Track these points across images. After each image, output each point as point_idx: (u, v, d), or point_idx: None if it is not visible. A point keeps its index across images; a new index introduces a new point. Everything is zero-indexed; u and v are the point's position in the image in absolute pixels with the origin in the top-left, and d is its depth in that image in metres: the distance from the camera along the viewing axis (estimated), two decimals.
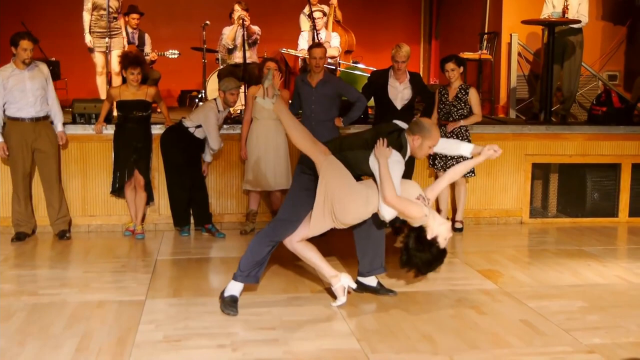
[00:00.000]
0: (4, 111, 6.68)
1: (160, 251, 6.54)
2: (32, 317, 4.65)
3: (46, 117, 6.83)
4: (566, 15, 8.81)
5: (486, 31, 10.95)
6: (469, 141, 7.16)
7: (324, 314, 4.78)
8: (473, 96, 7.18)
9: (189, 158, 7.05)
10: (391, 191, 4.47)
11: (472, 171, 7.26)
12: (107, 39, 8.64)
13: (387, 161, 4.57)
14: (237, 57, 9.25)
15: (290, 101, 7.40)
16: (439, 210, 7.52)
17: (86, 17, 8.70)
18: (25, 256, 6.39)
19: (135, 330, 4.41)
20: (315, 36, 9.18)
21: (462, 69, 7.21)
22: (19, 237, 6.88)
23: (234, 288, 4.86)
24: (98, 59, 8.75)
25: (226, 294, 4.83)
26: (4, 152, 6.70)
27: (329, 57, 8.89)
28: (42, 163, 6.90)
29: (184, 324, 4.54)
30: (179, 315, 4.71)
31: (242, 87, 8.08)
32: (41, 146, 6.80)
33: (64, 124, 7.04)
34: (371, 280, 5.26)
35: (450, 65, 7.16)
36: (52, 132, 6.88)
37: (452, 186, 7.58)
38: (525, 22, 9.12)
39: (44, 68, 6.84)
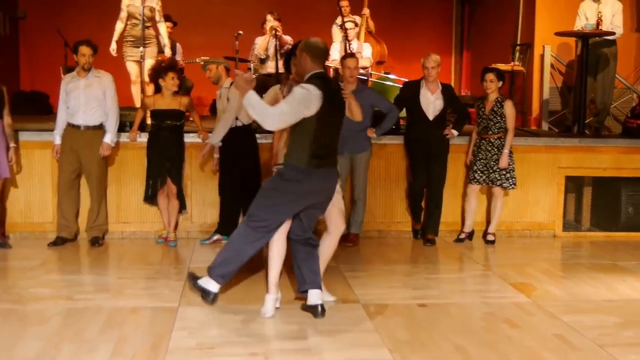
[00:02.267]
0: (66, 116, 6.85)
1: (193, 259, 6.58)
2: (68, 321, 4.70)
3: (98, 127, 6.93)
4: (600, 27, 8.75)
5: (518, 42, 10.90)
6: (510, 153, 7.14)
7: (355, 324, 4.77)
8: (509, 109, 7.15)
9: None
10: (269, 116, 4.52)
11: (514, 183, 7.21)
12: (141, 48, 8.72)
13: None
14: (270, 67, 9.31)
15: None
16: (463, 223, 7.52)
17: (119, 25, 8.79)
18: (60, 261, 6.48)
19: (168, 336, 4.44)
20: (347, 47, 9.20)
21: (501, 83, 7.20)
22: (56, 242, 6.97)
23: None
24: (132, 68, 8.84)
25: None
26: (56, 154, 6.86)
27: (361, 68, 8.89)
28: (86, 171, 7.01)
29: (217, 332, 4.57)
30: (212, 323, 4.73)
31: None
32: (86, 154, 6.91)
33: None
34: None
35: (490, 76, 7.15)
36: (100, 142, 6.96)
37: (488, 198, 7.55)
38: (558, 34, 9.06)
39: (105, 79, 6.94)
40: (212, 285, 4.85)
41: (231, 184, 7.04)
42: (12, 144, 6.77)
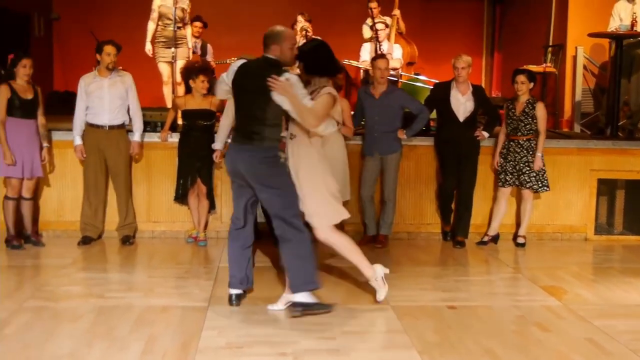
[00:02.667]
0: (85, 116, 6.90)
1: (222, 258, 6.59)
2: (99, 319, 4.76)
3: (121, 126, 7.00)
4: (635, 28, 8.63)
5: (551, 44, 10.81)
6: (542, 155, 7.08)
7: (384, 325, 4.77)
8: (540, 111, 7.08)
9: None
10: (313, 118, 4.70)
11: (546, 185, 7.15)
12: (172, 49, 8.78)
13: (292, 91, 4.68)
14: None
15: (352, 112, 7.41)
16: (489, 226, 7.46)
17: (150, 26, 8.87)
18: (92, 259, 6.55)
19: (198, 336, 4.47)
20: (378, 48, 9.19)
21: (532, 85, 7.13)
22: (85, 240, 7.06)
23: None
24: (163, 68, 8.91)
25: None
26: (81, 155, 6.91)
27: (391, 69, 8.88)
28: (112, 170, 7.08)
29: (246, 332, 4.59)
30: (241, 323, 4.76)
31: None
32: (112, 153, 6.99)
33: (129, 131, 7.18)
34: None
35: (521, 78, 7.09)
36: (124, 141, 7.05)
37: (518, 200, 7.50)
38: (592, 35, 8.97)
39: (127, 78, 7.02)
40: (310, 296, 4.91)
41: None
42: (45, 144, 6.86)
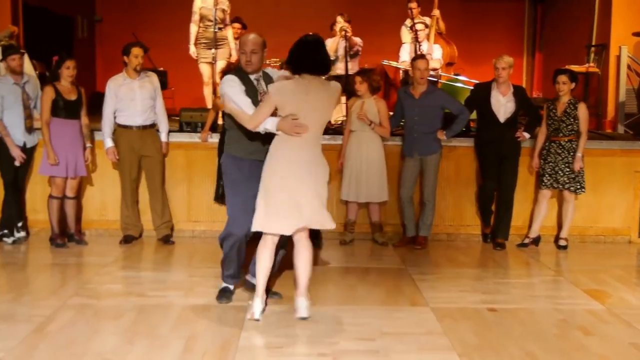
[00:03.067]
0: (114, 118, 6.96)
1: None
2: (141, 317, 4.81)
3: (152, 126, 7.10)
4: None
5: (594, 43, 10.64)
6: (583, 157, 6.98)
7: (424, 327, 4.73)
8: (582, 111, 6.98)
9: None
10: (248, 120, 4.57)
11: (582, 187, 7.05)
12: (213, 50, 8.85)
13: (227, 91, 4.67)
14: (339, 69, 9.32)
15: (391, 113, 7.40)
16: (529, 228, 7.38)
17: (193, 28, 8.94)
18: (133, 258, 6.63)
19: (238, 335, 4.50)
20: (417, 48, 9.16)
21: (573, 85, 7.03)
22: (127, 239, 7.16)
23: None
24: (204, 69, 8.98)
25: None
26: (114, 156, 6.98)
27: (431, 70, 8.83)
28: (147, 169, 7.16)
29: (285, 332, 4.59)
30: (281, 323, 4.77)
31: (344, 99, 8.16)
32: (147, 153, 7.06)
33: (170, 131, 7.29)
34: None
35: (562, 78, 6.99)
36: (157, 140, 7.14)
37: (559, 202, 7.40)
38: (636, 34, 8.83)
39: (154, 79, 7.11)
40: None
41: None
42: (88, 144, 6.97)
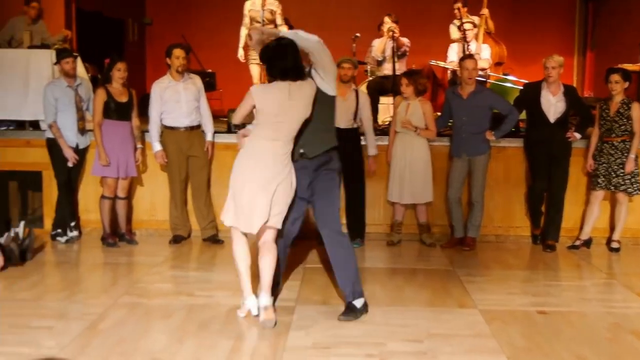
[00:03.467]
0: (160, 121, 7.06)
1: (309, 259, 6.66)
2: (190, 316, 4.87)
3: (199, 127, 7.18)
4: None
5: None
6: (636, 157, 6.84)
7: (472, 329, 4.69)
8: (636, 111, 6.83)
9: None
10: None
11: (638, 188, 6.91)
12: None
13: None
14: (387, 69, 9.29)
15: (438, 113, 7.36)
16: (581, 229, 7.26)
17: (243, 31, 9.00)
18: (182, 258, 6.72)
19: (285, 335, 4.52)
20: (466, 48, 9.08)
21: (627, 84, 6.89)
22: (176, 239, 7.25)
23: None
24: (254, 70, 9.04)
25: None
26: (163, 160, 7.08)
27: (479, 69, 8.75)
28: (194, 170, 7.24)
29: (333, 332, 4.60)
30: (328, 323, 4.78)
31: (390, 99, 8.13)
32: (194, 154, 7.15)
33: (217, 133, 7.36)
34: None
35: (615, 77, 6.86)
36: (204, 141, 7.22)
37: (612, 204, 7.27)
38: None
39: (197, 81, 7.18)
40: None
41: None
42: (139, 145, 7.08)
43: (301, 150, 4.77)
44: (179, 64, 6.96)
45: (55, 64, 7.13)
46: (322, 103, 4.76)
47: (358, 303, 4.87)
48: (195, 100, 7.10)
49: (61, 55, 7.01)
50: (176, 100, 6.99)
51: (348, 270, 4.88)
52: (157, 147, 7.04)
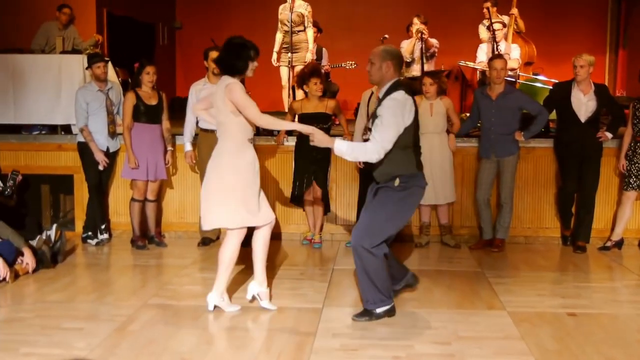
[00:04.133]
0: (196, 123, 7.11)
1: (337, 261, 6.67)
2: (218, 318, 4.91)
3: None
4: None
5: None
6: None
7: (501, 331, 4.66)
8: None
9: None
10: (371, 153, 4.60)
11: None
12: (290, 54, 8.93)
13: None
14: (415, 70, 9.28)
15: (467, 114, 7.32)
16: (612, 230, 7.17)
17: (278, 36, 9.05)
18: (210, 260, 6.72)
19: (313, 337, 4.53)
20: (495, 48, 9.02)
21: None
22: (205, 242, 7.30)
23: None
24: (283, 72, 9.08)
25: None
26: (191, 160, 7.14)
27: (509, 70, 8.68)
28: None
29: (360, 334, 4.61)
30: (356, 325, 4.78)
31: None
32: None
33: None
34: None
35: None
36: None
37: None
38: None
39: None
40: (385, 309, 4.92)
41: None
42: (169, 148, 7.15)
43: (373, 174, 4.85)
44: (214, 66, 7.02)
45: (87, 68, 7.23)
46: None
47: (375, 308, 4.86)
48: None
49: (92, 60, 7.10)
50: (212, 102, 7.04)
51: (360, 280, 4.89)
52: (188, 147, 7.12)
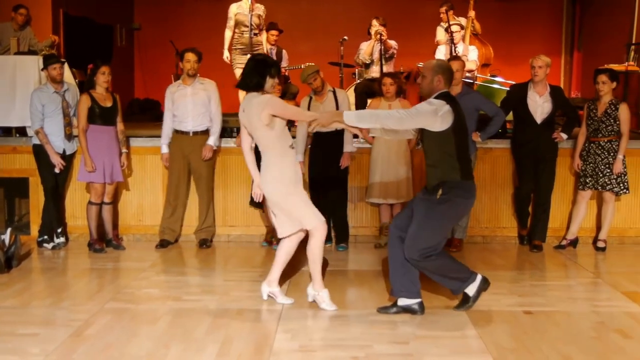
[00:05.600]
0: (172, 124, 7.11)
1: (296, 263, 6.64)
2: (177, 321, 4.86)
3: (205, 132, 7.19)
4: None
5: (634, 42, 10.44)
6: (623, 157, 6.88)
7: (458, 330, 4.71)
8: (623, 112, 6.87)
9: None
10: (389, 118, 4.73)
11: (626, 188, 6.94)
12: (248, 56, 8.88)
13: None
14: (374, 72, 9.32)
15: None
16: (567, 229, 7.28)
17: (227, 34, 9.04)
18: (169, 263, 6.71)
19: (272, 338, 4.53)
20: (453, 50, 9.11)
21: (614, 84, 6.93)
22: (163, 244, 7.25)
23: None
24: (238, 75, 9.04)
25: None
26: (166, 163, 7.12)
27: (466, 71, 8.77)
28: (196, 174, 7.27)
29: (319, 335, 4.62)
30: (315, 326, 4.80)
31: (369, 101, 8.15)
32: (197, 159, 7.16)
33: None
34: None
35: (602, 78, 6.90)
36: (210, 146, 7.23)
37: (599, 203, 7.30)
38: None
39: (209, 86, 7.19)
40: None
41: (322, 189, 7.14)
42: (124, 150, 7.08)
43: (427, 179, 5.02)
44: (189, 67, 7.02)
45: (43, 69, 7.11)
46: (428, 137, 4.88)
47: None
48: (203, 105, 7.11)
49: (48, 61, 7.00)
50: (184, 104, 7.03)
51: (436, 280, 5.06)
52: (165, 149, 7.15)
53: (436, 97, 4.83)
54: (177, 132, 7.13)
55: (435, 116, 4.70)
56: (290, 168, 5.05)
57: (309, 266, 5.20)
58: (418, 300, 5.02)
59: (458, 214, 5.03)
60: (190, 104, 7.05)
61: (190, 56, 7.02)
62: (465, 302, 5.08)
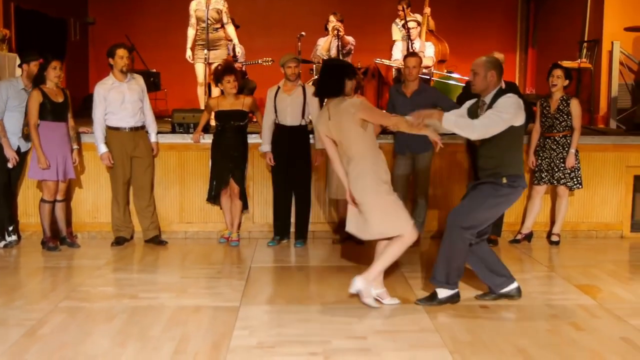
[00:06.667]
0: (105, 121, 6.96)
1: (254, 259, 6.64)
2: (133, 319, 4.81)
3: (143, 127, 7.11)
4: None
5: (586, 39, 10.64)
6: (576, 152, 6.99)
7: (416, 325, 4.74)
8: (575, 108, 6.98)
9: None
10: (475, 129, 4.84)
11: (580, 182, 7.06)
12: (206, 51, 8.82)
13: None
14: None
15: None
16: (522, 224, 7.39)
17: (190, 32, 8.90)
18: (125, 260, 6.63)
19: (229, 335, 4.50)
20: (410, 46, 9.16)
21: (567, 82, 7.04)
22: (119, 241, 7.16)
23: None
24: (199, 70, 8.97)
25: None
26: (109, 162, 6.98)
27: (423, 67, 8.82)
28: (138, 171, 7.16)
29: (277, 331, 4.60)
30: (272, 322, 4.78)
31: None
32: (138, 154, 7.08)
33: (161, 133, 7.30)
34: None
35: (557, 72, 7.03)
36: (148, 141, 7.18)
37: (552, 198, 7.41)
38: (628, 29, 8.82)
39: (140, 81, 7.12)
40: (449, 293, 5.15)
41: (285, 184, 7.12)
42: (75, 146, 6.96)
43: (479, 172, 5.23)
44: (123, 64, 6.88)
45: (20, 65, 6.94)
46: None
47: (440, 293, 5.13)
48: (140, 100, 7.04)
49: (29, 57, 6.88)
50: (121, 101, 6.91)
51: (439, 255, 5.15)
52: (103, 148, 6.96)
53: (503, 92, 4.91)
54: (114, 129, 6.97)
55: (521, 109, 4.85)
56: (384, 168, 5.13)
57: (377, 259, 5.16)
58: (515, 285, 5.25)
59: (513, 201, 5.13)
60: (128, 101, 6.95)
61: (122, 52, 6.91)
62: (431, 299, 5.15)
